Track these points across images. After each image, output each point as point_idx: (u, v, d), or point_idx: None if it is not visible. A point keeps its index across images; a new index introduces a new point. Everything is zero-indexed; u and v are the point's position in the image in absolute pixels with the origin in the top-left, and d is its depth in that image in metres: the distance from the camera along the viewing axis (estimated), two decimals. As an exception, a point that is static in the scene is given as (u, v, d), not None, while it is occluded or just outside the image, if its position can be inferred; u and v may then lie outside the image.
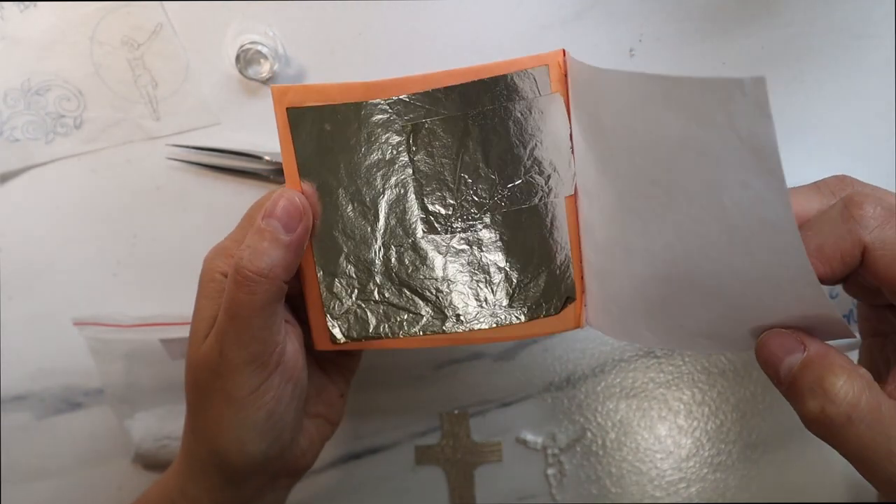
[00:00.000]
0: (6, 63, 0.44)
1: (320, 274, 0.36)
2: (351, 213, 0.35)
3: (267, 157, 0.45)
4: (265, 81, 0.44)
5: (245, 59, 0.43)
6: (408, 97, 0.35)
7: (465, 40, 0.44)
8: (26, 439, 0.51)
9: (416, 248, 0.36)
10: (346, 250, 0.36)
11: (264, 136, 0.46)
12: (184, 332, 0.46)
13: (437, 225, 0.35)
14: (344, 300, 0.36)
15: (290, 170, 0.35)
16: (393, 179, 0.35)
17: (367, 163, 0.35)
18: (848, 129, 0.46)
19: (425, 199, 0.35)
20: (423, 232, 0.36)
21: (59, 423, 0.51)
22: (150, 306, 0.49)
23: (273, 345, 0.34)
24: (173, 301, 0.49)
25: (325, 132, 0.35)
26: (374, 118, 0.35)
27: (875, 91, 0.45)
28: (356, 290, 0.36)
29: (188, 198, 0.47)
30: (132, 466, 0.52)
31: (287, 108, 0.35)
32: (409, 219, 0.35)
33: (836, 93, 0.45)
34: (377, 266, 0.36)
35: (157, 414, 0.50)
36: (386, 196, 0.35)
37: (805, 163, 0.46)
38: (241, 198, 0.47)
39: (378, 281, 0.36)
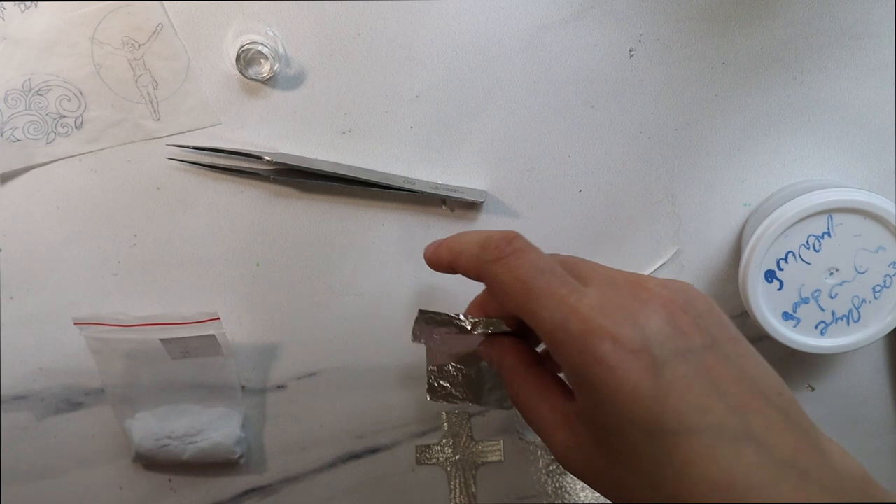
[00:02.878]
0: (7, 63, 0.44)
1: None
2: None
3: (267, 157, 0.45)
4: (265, 81, 0.44)
5: (245, 59, 0.43)
6: None
7: (465, 40, 0.44)
8: (26, 439, 0.51)
9: None
10: None
11: (264, 136, 0.46)
12: (184, 332, 0.46)
13: None
14: None
15: None
16: None
17: None
18: (848, 128, 0.46)
19: None
20: None
21: (59, 423, 0.51)
22: (150, 306, 0.49)
23: None
24: (173, 301, 0.49)
25: None
26: None
27: (875, 91, 0.45)
28: None
29: (188, 198, 0.47)
30: (132, 466, 0.52)
31: None
32: None
33: (836, 93, 0.45)
34: None
35: (157, 414, 0.50)
36: None
37: (805, 163, 0.46)
38: (241, 198, 0.47)
39: None
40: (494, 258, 0.32)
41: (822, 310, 0.42)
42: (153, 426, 0.49)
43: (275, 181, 0.46)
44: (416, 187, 0.46)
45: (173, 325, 0.46)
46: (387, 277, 0.49)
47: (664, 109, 0.45)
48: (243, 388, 0.50)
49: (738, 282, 0.43)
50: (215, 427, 0.50)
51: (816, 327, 0.42)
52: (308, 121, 0.45)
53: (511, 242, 0.32)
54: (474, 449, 0.51)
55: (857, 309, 0.42)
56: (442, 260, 0.35)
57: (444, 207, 0.47)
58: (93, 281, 0.48)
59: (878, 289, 0.41)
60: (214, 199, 0.47)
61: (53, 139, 0.46)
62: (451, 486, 0.52)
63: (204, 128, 0.46)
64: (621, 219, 0.48)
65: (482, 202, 0.47)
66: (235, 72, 0.44)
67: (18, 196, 0.47)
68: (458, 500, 0.52)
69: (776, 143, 0.46)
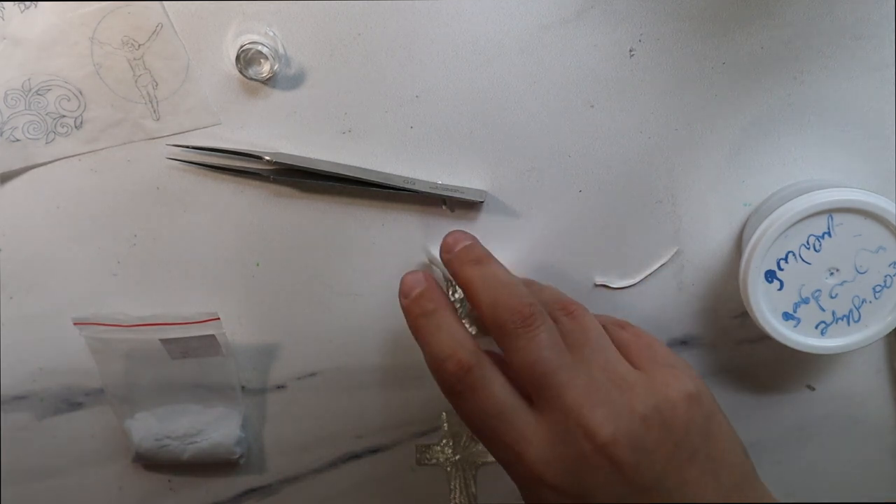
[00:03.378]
0: (6, 63, 0.44)
1: None
2: None
3: (267, 157, 0.45)
4: (265, 81, 0.44)
5: (245, 59, 0.43)
6: None
7: (464, 40, 0.44)
8: (26, 439, 0.51)
9: None
10: None
11: (264, 136, 0.46)
12: (183, 332, 0.46)
13: None
14: None
15: None
16: None
17: None
18: (848, 129, 0.46)
19: None
20: None
21: (59, 423, 0.51)
22: (150, 306, 0.49)
23: None
24: (173, 301, 0.49)
25: None
26: None
27: (875, 91, 0.45)
28: None
29: (188, 198, 0.47)
30: (132, 466, 0.52)
31: None
32: None
33: (836, 93, 0.45)
34: None
35: (157, 414, 0.50)
36: None
37: (805, 163, 0.46)
38: (241, 198, 0.47)
39: None
40: (451, 387, 0.32)
41: (823, 310, 0.42)
42: (153, 426, 0.49)
43: (275, 181, 0.46)
44: (416, 187, 0.46)
45: (173, 326, 0.46)
46: (387, 277, 0.49)
47: (664, 109, 0.45)
48: (243, 388, 0.50)
49: (739, 282, 0.43)
50: (215, 427, 0.50)
51: (817, 327, 0.42)
52: (308, 121, 0.45)
53: (466, 375, 0.32)
54: (474, 449, 0.51)
55: (858, 309, 0.42)
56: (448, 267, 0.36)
57: (444, 207, 0.47)
58: (93, 281, 0.48)
59: (878, 289, 0.41)
60: (214, 199, 0.47)
61: (53, 139, 0.46)
62: (451, 486, 0.52)
63: (204, 128, 0.46)
64: (621, 219, 0.48)
65: (482, 202, 0.47)
66: (235, 72, 0.44)
67: (18, 196, 0.47)
68: (458, 500, 0.52)
69: (776, 143, 0.46)
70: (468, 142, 0.46)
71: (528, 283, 0.40)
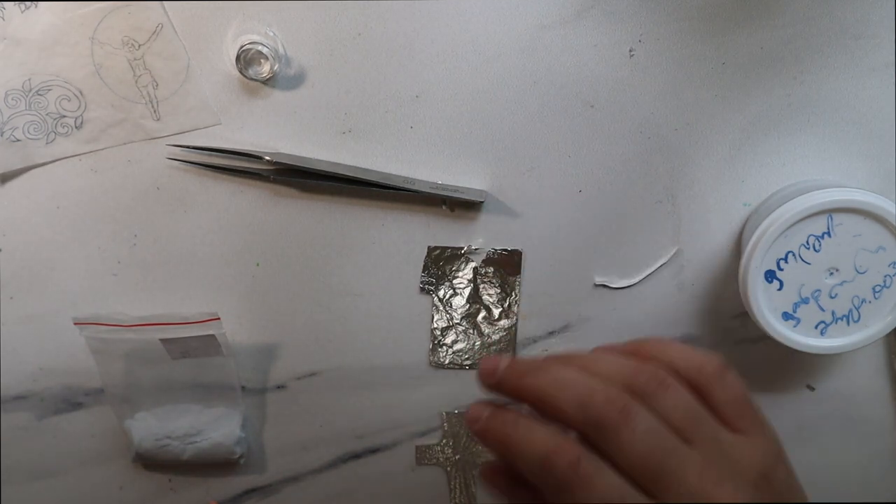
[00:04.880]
0: (7, 63, 0.44)
1: None
2: None
3: (267, 157, 0.45)
4: (265, 81, 0.44)
5: (245, 59, 0.43)
6: None
7: (465, 40, 0.44)
8: (26, 439, 0.51)
9: None
10: None
11: (264, 136, 0.46)
12: (183, 332, 0.46)
13: None
14: None
15: None
16: None
17: None
18: (848, 128, 0.46)
19: None
20: None
21: (59, 423, 0.51)
22: (150, 306, 0.49)
23: None
24: (173, 301, 0.49)
25: None
26: None
27: (875, 91, 0.45)
28: None
29: (188, 198, 0.47)
30: (132, 466, 0.52)
31: None
32: None
33: (836, 93, 0.45)
34: None
35: (157, 414, 0.50)
36: None
37: (805, 163, 0.46)
38: (241, 197, 0.47)
39: None
40: (567, 484, 0.29)
41: (823, 310, 0.42)
42: (153, 426, 0.49)
43: (275, 181, 0.46)
44: (416, 187, 0.46)
45: (173, 325, 0.46)
46: (387, 277, 0.49)
47: (664, 109, 0.45)
48: (243, 388, 0.50)
49: (738, 282, 0.43)
50: (215, 427, 0.50)
51: (816, 327, 0.42)
52: (308, 121, 0.45)
53: (579, 466, 0.29)
54: (474, 449, 0.51)
55: (857, 309, 0.42)
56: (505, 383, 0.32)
57: (444, 207, 0.47)
58: (93, 281, 0.48)
59: (878, 289, 0.41)
60: (214, 199, 0.47)
61: (53, 139, 0.46)
62: (451, 486, 0.52)
63: (204, 128, 0.46)
64: (621, 219, 0.48)
65: (482, 202, 0.47)
66: (235, 72, 0.44)
67: (18, 196, 0.47)
68: (458, 500, 0.52)
69: (776, 143, 0.46)
70: (468, 142, 0.46)
71: (588, 361, 0.34)
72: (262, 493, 0.53)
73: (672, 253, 0.48)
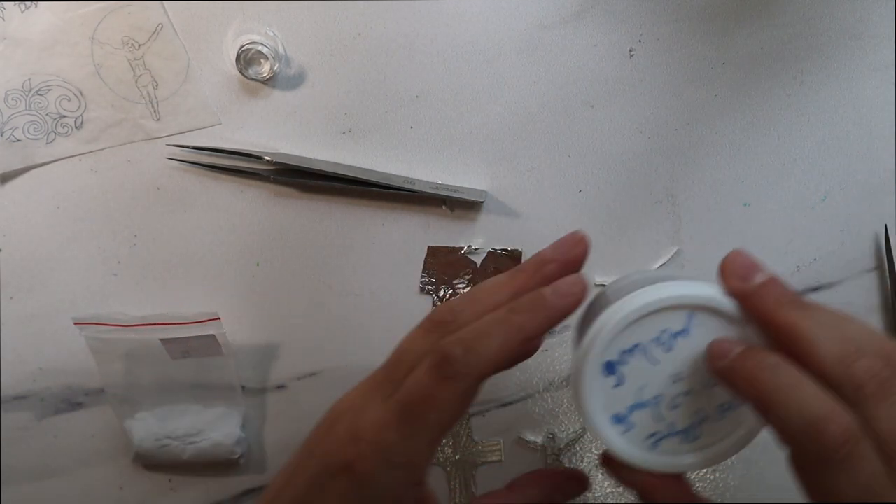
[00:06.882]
0: (7, 63, 0.44)
1: None
2: None
3: (267, 157, 0.45)
4: (265, 81, 0.44)
5: (245, 59, 0.43)
6: None
7: (465, 40, 0.44)
8: (26, 439, 0.51)
9: None
10: None
11: (264, 136, 0.46)
12: (184, 332, 0.46)
13: None
14: None
15: None
16: None
17: None
18: (848, 129, 0.46)
19: None
20: None
21: (59, 423, 0.51)
22: (150, 306, 0.49)
23: None
24: (173, 301, 0.49)
25: None
26: None
27: (875, 91, 0.45)
28: None
29: (188, 198, 0.47)
30: (132, 466, 0.52)
31: None
32: None
33: (836, 93, 0.45)
34: None
35: (157, 414, 0.50)
36: None
37: (805, 163, 0.46)
38: (241, 197, 0.47)
39: None
40: (831, 455, 0.25)
41: (660, 419, 0.33)
42: (153, 426, 0.49)
43: (275, 181, 0.46)
44: (416, 187, 0.46)
45: (173, 325, 0.46)
46: (387, 277, 0.49)
47: (664, 109, 0.45)
48: (243, 388, 0.50)
49: (571, 367, 0.34)
50: (215, 427, 0.50)
51: (650, 437, 0.34)
52: (308, 121, 0.45)
53: (856, 445, 0.25)
54: (474, 449, 0.51)
55: (698, 426, 0.33)
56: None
57: (444, 207, 0.47)
58: (93, 281, 0.48)
59: (724, 408, 0.33)
60: (214, 199, 0.47)
61: (53, 139, 0.46)
62: (451, 486, 0.52)
63: (204, 128, 0.46)
64: (621, 219, 0.48)
65: (482, 202, 0.47)
66: (235, 72, 0.44)
67: (18, 196, 0.47)
68: (458, 500, 0.52)
69: (776, 143, 0.46)
70: (468, 142, 0.46)
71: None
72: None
73: (672, 253, 0.48)
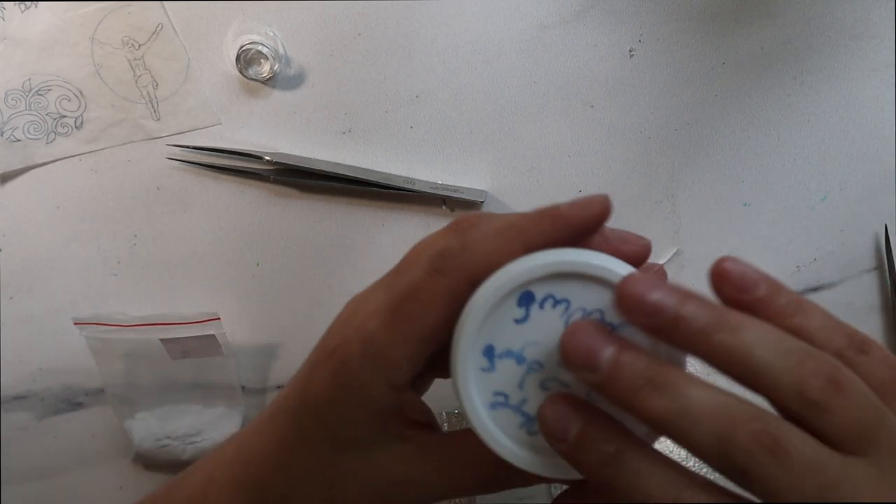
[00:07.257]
0: (7, 63, 0.44)
1: None
2: None
3: (267, 157, 0.45)
4: (265, 81, 0.44)
5: (245, 59, 0.43)
6: None
7: (464, 40, 0.44)
8: (26, 439, 0.51)
9: None
10: None
11: (264, 136, 0.46)
12: (184, 332, 0.46)
13: None
14: None
15: None
16: None
17: None
18: (848, 129, 0.46)
19: None
20: None
21: (59, 423, 0.51)
22: (150, 306, 0.49)
23: None
24: (173, 301, 0.49)
25: None
26: None
27: (875, 91, 0.45)
28: None
29: (188, 198, 0.47)
30: (132, 466, 0.52)
31: None
32: None
33: (836, 93, 0.45)
34: None
35: (157, 414, 0.50)
36: None
37: (805, 163, 0.46)
38: (241, 197, 0.47)
39: None
40: (751, 463, 0.22)
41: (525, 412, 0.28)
42: (153, 426, 0.49)
43: (275, 181, 0.46)
44: (416, 187, 0.46)
45: (173, 325, 0.46)
46: (387, 277, 0.49)
47: (664, 109, 0.45)
48: (243, 388, 0.50)
49: (451, 348, 0.27)
50: (215, 427, 0.50)
51: (522, 427, 0.28)
52: (308, 121, 0.45)
53: (764, 434, 0.23)
54: (474, 449, 0.51)
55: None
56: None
57: (444, 207, 0.47)
58: (93, 281, 0.48)
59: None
60: (214, 199, 0.47)
61: (53, 139, 0.46)
62: None
63: (204, 128, 0.46)
64: (621, 219, 0.48)
65: (482, 202, 0.47)
66: (235, 72, 0.44)
67: (18, 196, 0.47)
68: (457, 500, 0.52)
69: (776, 143, 0.46)
70: (468, 142, 0.46)
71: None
72: (262, 493, 0.53)
73: (672, 253, 0.48)
